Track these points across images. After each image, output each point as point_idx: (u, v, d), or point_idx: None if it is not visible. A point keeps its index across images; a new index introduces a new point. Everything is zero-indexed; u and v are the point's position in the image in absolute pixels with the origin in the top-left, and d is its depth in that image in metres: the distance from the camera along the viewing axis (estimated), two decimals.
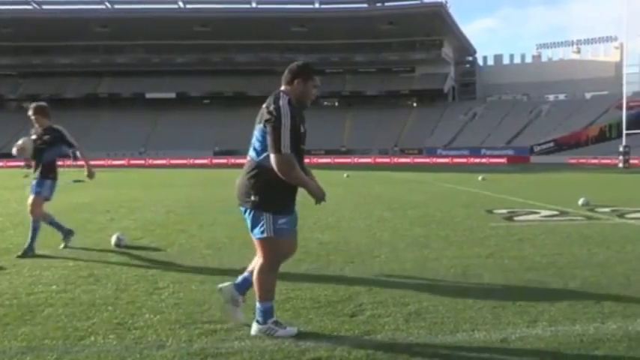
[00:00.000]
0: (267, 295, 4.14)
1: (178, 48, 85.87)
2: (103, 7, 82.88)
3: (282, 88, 4.21)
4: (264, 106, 4.11)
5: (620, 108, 53.84)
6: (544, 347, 3.82)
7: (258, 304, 4.14)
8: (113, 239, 7.90)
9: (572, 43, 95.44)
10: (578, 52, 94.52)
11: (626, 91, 54.25)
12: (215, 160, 67.50)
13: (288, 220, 4.12)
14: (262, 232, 4.04)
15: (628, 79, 57.43)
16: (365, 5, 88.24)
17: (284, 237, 4.09)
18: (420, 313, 4.55)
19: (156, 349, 3.82)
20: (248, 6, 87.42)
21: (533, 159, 67.52)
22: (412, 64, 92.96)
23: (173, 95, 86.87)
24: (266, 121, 3.96)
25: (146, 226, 10.19)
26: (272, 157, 3.92)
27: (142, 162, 64.77)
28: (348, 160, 68.67)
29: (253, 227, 4.09)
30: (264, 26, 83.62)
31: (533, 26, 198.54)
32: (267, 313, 4.11)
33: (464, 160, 67.33)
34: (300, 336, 4.03)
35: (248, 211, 4.11)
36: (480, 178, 26.18)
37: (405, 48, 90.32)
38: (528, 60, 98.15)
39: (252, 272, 4.28)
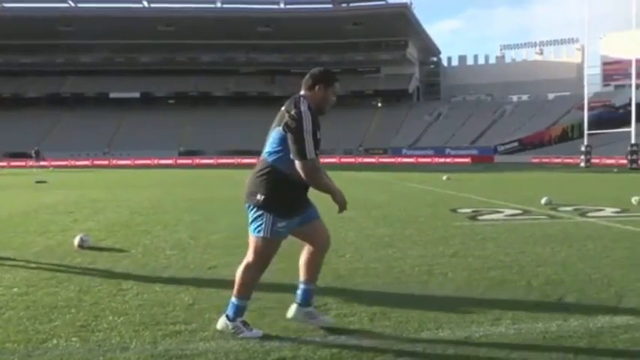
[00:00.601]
0: (245, 292, 4.17)
1: (143, 47, 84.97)
2: (67, 5, 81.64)
3: (302, 92, 4.25)
4: (283, 109, 4.16)
5: (582, 108, 54.75)
6: (508, 345, 3.86)
7: (233, 299, 4.15)
8: (76, 240, 7.78)
9: (535, 45, 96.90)
10: (541, 53, 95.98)
11: (587, 92, 55.19)
12: (180, 161, 66.93)
13: (287, 224, 4.14)
14: (259, 231, 4.09)
15: (589, 80, 58.43)
16: (330, 6, 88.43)
17: (278, 239, 4.17)
18: (385, 312, 4.57)
19: (119, 352, 3.77)
20: (213, 6, 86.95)
21: (497, 158, 68.35)
22: (377, 64, 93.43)
23: (137, 95, 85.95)
24: (287, 126, 3.98)
25: (110, 226, 10.07)
26: (297, 163, 3.94)
27: (106, 162, 63.87)
28: None
29: (252, 223, 4.13)
30: (229, 26, 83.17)
31: (497, 28, 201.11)
32: (239, 311, 4.12)
33: (428, 160, 67.86)
34: (265, 336, 4.02)
35: (251, 207, 4.12)
36: (444, 177, 26.40)
37: (370, 48, 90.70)
38: (492, 61, 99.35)
39: (305, 282, 4.33)
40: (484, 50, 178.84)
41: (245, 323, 4.10)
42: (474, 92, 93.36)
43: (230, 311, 4.13)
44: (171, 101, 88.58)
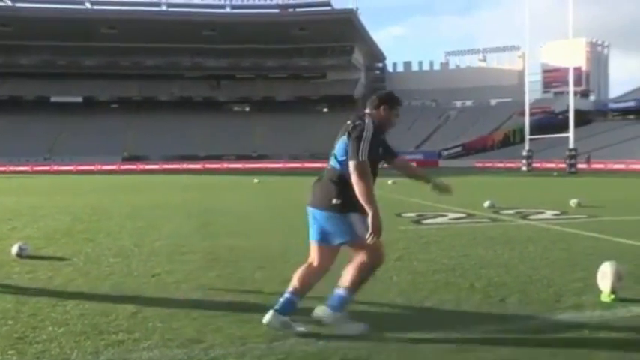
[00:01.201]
0: (358, 288, 4.32)
1: (85, 50, 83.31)
2: (4, 4, 79.32)
3: (367, 111, 4.51)
4: (348, 122, 4.41)
5: (523, 114, 56.13)
6: (451, 347, 3.91)
7: (343, 292, 4.24)
8: (15, 249, 7.55)
9: (479, 52, 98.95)
10: (484, 60, 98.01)
11: (528, 98, 56.61)
12: (124, 167, 65.78)
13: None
14: (354, 235, 4.19)
15: (530, 87, 59.93)
16: (276, 11, 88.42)
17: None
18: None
19: None
20: (157, 9, 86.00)
21: (442, 163, 69.34)
22: (323, 69, 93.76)
23: (80, 99, 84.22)
24: (349, 132, 4.28)
25: (50, 234, 9.81)
26: (350, 164, 4.12)
27: (47, 168, 62.33)
28: (259, 166, 68.45)
29: (341, 233, 4.21)
30: (173, 30, 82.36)
31: (441, 35, 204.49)
32: (347, 304, 4.26)
33: None
34: (209, 344, 3.97)
35: (331, 216, 4.20)
36: (390, 182, 26.61)
37: (316, 54, 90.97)
38: (437, 67, 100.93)
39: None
40: (429, 57, 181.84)
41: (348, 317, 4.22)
42: (418, 98, 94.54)
43: (337, 303, 4.21)
44: (114, 106, 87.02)
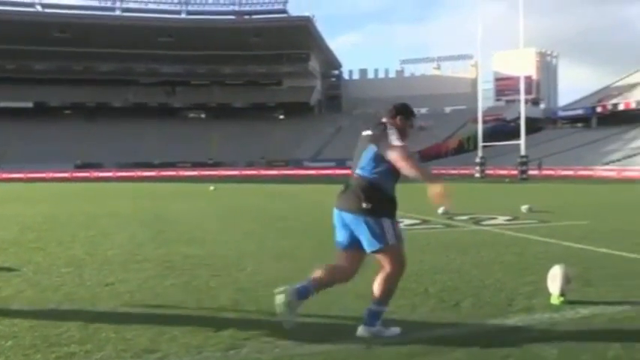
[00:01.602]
0: (388, 300, 4.45)
1: (36, 54, 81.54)
2: None
3: (384, 120, 4.65)
4: (367, 132, 4.65)
5: (477, 122, 57.04)
6: (405, 351, 3.94)
7: (375, 307, 4.39)
8: None
9: (434, 60, 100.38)
10: (439, 68, 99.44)
11: (481, 106, 57.56)
12: (76, 174, 64.47)
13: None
14: (385, 241, 4.31)
15: (483, 95, 61.01)
16: (232, 17, 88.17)
17: (402, 241, 4.45)
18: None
19: None
20: (112, 13, 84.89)
21: None
22: (279, 76, 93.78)
23: (30, 105, 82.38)
24: (376, 131, 4.51)
25: None
26: (392, 154, 4.26)
27: None
28: (215, 173, 67.96)
29: (372, 239, 4.31)
30: (128, 35, 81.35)
31: (396, 43, 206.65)
32: (380, 316, 4.38)
33: (330, 172, 68.49)
34: (163, 353, 3.93)
35: (364, 220, 4.32)
36: None
37: (272, 61, 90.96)
38: (392, 75, 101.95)
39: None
40: (384, 64, 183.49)
41: (383, 325, 4.37)
42: (374, 105, 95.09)
43: (371, 319, 4.35)
44: (67, 112, 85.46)
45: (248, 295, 5.64)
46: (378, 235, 4.30)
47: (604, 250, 7.98)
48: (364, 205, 4.31)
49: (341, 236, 4.59)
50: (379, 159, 4.37)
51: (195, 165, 71.59)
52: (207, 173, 67.31)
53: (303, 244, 9.14)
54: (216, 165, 73.59)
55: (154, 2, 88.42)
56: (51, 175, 61.51)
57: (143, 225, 12.22)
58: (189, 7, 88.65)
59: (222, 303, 5.26)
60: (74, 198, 24.18)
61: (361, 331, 4.35)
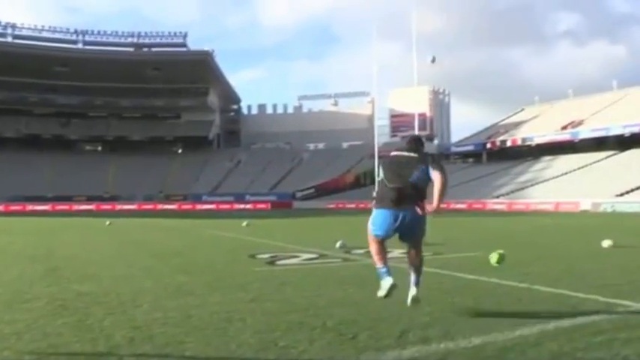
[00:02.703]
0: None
1: None
2: None
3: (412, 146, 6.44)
4: (412, 154, 6.29)
5: (373, 157, 58.37)
6: None
7: (419, 278, 6.36)
8: None
9: (331, 96, 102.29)
10: (336, 104, 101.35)
11: (377, 141, 59.06)
12: None
13: None
14: (424, 231, 6.33)
15: (379, 131, 62.76)
16: (131, 49, 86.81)
17: None
18: None
19: None
20: (3, 40, 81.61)
21: (296, 204, 70.30)
22: (178, 110, 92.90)
23: None
24: (433, 159, 6.26)
25: None
26: (441, 175, 6.06)
27: None
28: (112, 207, 66.14)
29: (419, 229, 6.27)
30: (21, 63, 78.31)
31: (295, 79, 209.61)
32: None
33: (229, 206, 68.12)
34: None
35: (415, 216, 6.13)
36: (244, 223, 26.60)
37: (171, 94, 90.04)
38: (290, 110, 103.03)
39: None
40: (283, 100, 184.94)
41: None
42: (273, 140, 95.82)
43: (418, 284, 6.29)
44: None
45: (144, 333, 5.47)
46: (423, 229, 6.28)
47: (495, 280, 8.28)
48: (418, 209, 6.07)
49: (392, 230, 6.21)
50: (428, 175, 6.07)
51: (91, 199, 69.50)
52: (103, 207, 65.42)
53: (200, 279, 8.99)
54: (112, 199, 71.70)
55: (49, 31, 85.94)
56: None
57: (34, 261, 11.67)
58: (87, 37, 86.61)
59: (117, 342, 5.08)
60: None
61: (415, 292, 6.21)
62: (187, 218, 39.76)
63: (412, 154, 6.26)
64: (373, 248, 6.40)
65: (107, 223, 29.11)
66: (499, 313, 6.19)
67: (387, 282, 6.15)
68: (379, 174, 6.54)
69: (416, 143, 6.44)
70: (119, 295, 7.57)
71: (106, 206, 67.04)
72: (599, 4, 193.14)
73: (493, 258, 8.13)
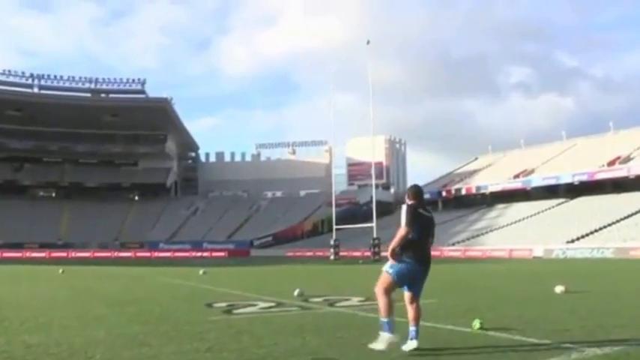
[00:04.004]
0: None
1: None
2: None
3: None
4: (431, 215, 6.93)
5: (330, 205, 58.60)
6: None
7: (417, 328, 6.50)
8: None
9: (289, 145, 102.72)
10: (294, 153, 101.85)
11: (335, 190, 59.39)
12: None
13: None
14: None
15: (336, 180, 63.23)
16: (88, 95, 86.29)
17: None
18: None
19: None
20: None
21: (253, 252, 69.91)
22: (135, 157, 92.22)
23: None
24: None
25: None
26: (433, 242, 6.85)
27: None
28: (65, 255, 64.76)
29: (423, 287, 6.69)
30: None
31: (253, 127, 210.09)
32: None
33: (186, 254, 67.35)
34: None
35: (426, 275, 6.64)
36: (201, 272, 26.32)
37: (128, 141, 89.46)
38: (248, 158, 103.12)
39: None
40: (241, 148, 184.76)
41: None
42: (231, 188, 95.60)
43: (417, 334, 6.48)
44: None
45: None
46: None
47: (450, 327, 8.38)
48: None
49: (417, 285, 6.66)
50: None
51: (44, 246, 67.94)
52: (56, 255, 64.00)
53: (155, 329, 8.87)
54: (66, 246, 70.23)
55: (3, 74, 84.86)
56: None
57: None
58: (43, 82, 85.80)
59: None
60: None
61: (414, 345, 6.39)
62: (143, 266, 39.14)
63: (430, 214, 6.90)
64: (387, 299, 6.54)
65: (60, 271, 28.47)
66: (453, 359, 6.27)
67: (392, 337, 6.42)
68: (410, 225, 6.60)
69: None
70: (71, 346, 7.41)
71: (60, 253, 65.59)
72: (548, 59, 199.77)
73: (475, 325, 8.25)
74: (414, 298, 6.56)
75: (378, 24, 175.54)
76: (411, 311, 6.57)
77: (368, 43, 52.69)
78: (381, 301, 6.40)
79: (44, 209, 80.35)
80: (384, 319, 6.27)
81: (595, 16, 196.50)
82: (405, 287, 6.54)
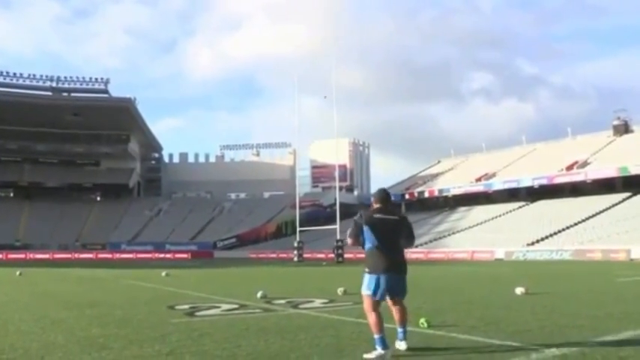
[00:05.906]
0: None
1: None
2: None
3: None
4: (396, 217, 6.69)
5: (294, 207, 58.57)
6: None
7: (403, 328, 6.71)
8: None
9: (253, 147, 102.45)
10: (258, 154, 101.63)
11: (299, 192, 59.42)
12: None
13: None
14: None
15: (300, 182, 63.29)
16: (49, 93, 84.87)
17: None
18: None
19: None
20: None
21: (217, 254, 69.55)
22: (97, 157, 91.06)
23: None
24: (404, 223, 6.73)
25: None
26: (413, 241, 6.80)
27: None
28: (23, 256, 63.62)
29: (404, 290, 6.68)
30: None
31: (217, 128, 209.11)
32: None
33: (149, 256, 66.73)
34: None
35: (403, 278, 6.60)
36: (163, 273, 26.10)
37: (90, 140, 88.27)
38: (212, 160, 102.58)
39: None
40: (205, 149, 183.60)
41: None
42: (194, 189, 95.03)
43: (404, 336, 6.70)
44: None
45: None
46: (405, 288, 6.69)
47: (410, 328, 8.42)
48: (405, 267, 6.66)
49: (383, 292, 6.46)
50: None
51: (1, 247, 66.50)
52: (14, 256, 62.82)
53: (116, 332, 8.75)
54: (24, 247, 68.97)
55: None
56: None
57: None
58: (1, 79, 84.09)
59: None
60: None
61: (405, 345, 6.61)
62: (105, 268, 38.64)
63: (397, 217, 6.69)
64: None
65: (17, 273, 27.97)
66: None
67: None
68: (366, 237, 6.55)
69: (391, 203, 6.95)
70: (27, 351, 7.26)
71: (17, 255, 64.42)
72: (509, 66, 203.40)
73: (423, 324, 8.49)
74: (397, 301, 6.63)
75: (343, 30, 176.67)
76: (395, 314, 6.68)
77: (325, 97, 55.87)
78: (369, 320, 6.43)
79: (1, 209, 78.79)
80: (375, 336, 6.26)
81: (554, 27, 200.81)
82: (387, 296, 6.54)
